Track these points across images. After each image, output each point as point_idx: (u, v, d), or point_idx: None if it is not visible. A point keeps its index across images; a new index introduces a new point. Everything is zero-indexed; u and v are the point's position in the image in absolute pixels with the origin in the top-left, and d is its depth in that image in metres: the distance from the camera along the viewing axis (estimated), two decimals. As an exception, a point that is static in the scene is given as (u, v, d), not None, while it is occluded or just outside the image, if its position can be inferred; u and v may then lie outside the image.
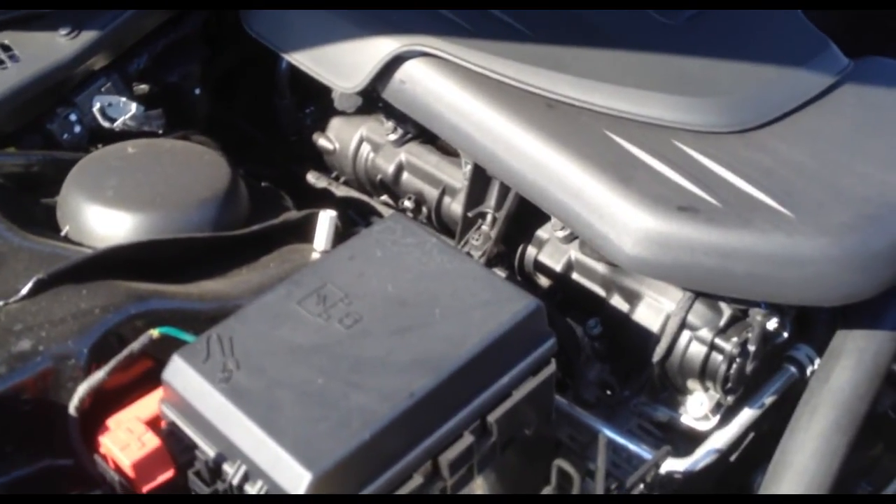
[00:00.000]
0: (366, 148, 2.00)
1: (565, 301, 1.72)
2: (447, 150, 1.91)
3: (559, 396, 1.54)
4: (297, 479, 1.13)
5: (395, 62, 1.73)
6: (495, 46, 1.71)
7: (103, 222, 1.54)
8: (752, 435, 1.59)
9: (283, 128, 2.10)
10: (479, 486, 1.40)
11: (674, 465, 1.51)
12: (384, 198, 2.01)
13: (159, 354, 1.31)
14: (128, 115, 1.82)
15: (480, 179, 1.78)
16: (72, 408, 1.30)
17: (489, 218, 1.78)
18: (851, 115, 1.67)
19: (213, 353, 1.25)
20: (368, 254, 1.38)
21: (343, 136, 2.03)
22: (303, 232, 1.60)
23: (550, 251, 1.73)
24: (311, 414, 1.18)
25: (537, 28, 1.77)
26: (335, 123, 2.05)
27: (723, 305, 1.55)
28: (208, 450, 1.22)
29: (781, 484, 1.44)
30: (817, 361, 1.59)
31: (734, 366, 1.52)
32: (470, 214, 1.79)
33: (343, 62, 1.79)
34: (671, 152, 1.57)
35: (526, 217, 1.73)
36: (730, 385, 1.54)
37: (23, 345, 1.32)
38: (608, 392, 1.66)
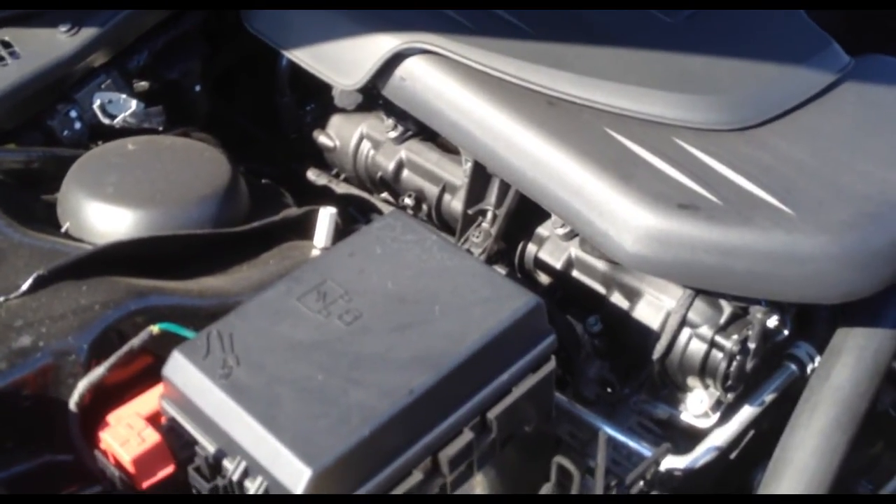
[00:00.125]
0: (366, 145, 2.00)
1: (565, 298, 1.72)
2: (447, 148, 1.91)
3: (559, 393, 1.54)
4: (296, 475, 1.13)
5: (396, 59, 1.73)
6: (496, 44, 1.71)
7: (103, 219, 1.55)
8: (752, 433, 1.59)
9: (284, 125, 2.10)
10: (478, 483, 1.40)
11: (674, 462, 1.51)
12: (384, 195, 2.01)
13: (159, 350, 1.31)
14: (128, 112, 1.82)
15: (481, 177, 1.78)
16: (72, 404, 1.30)
17: (489, 215, 1.78)
18: (852, 112, 1.67)
19: (213, 349, 1.25)
20: (368, 251, 1.38)
21: (343, 134, 2.03)
22: (303, 229, 1.61)
23: (551, 248, 1.73)
24: (310, 410, 1.18)
25: (538, 26, 1.77)
26: (335, 121, 2.05)
27: (723, 303, 1.55)
28: (208, 446, 1.22)
29: (781, 482, 1.44)
30: (817, 359, 1.59)
31: (734, 363, 1.52)
32: (470, 212, 1.79)
33: (343, 59, 1.79)
34: (672, 150, 1.57)
35: (526, 214, 1.73)
36: (730, 383, 1.54)
37: (23, 341, 1.32)
38: (608, 389, 1.66)
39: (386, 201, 1.98)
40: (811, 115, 1.66)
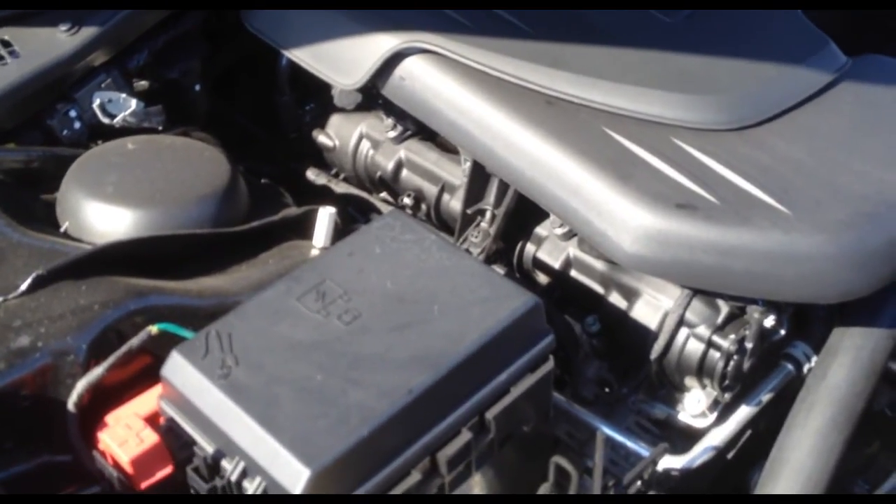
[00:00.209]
0: (365, 145, 2.00)
1: (564, 298, 1.72)
2: (447, 147, 1.91)
3: (557, 393, 1.54)
4: (295, 476, 1.13)
5: (395, 59, 1.73)
6: (495, 43, 1.71)
7: (103, 218, 1.55)
8: (749, 432, 1.59)
9: (283, 124, 2.10)
10: (476, 483, 1.40)
11: (671, 462, 1.51)
12: (383, 194, 2.01)
13: (158, 351, 1.31)
14: (128, 112, 1.82)
15: (479, 176, 1.78)
16: (70, 404, 1.31)
17: (488, 215, 1.78)
18: (849, 112, 1.67)
19: (212, 349, 1.25)
20: (367, 250, 1.38)
21: (343, 133, 2.03)
22: (302, 228, 1.61)
23: (549, 248, 1.73)
24: (309, 410, 1.18)
25: (537, 25, 1.77)
26: (335, 120, 2.05)
27: (720, 303, 1.55)
28: (207, 446, 1.22)
29: (778, 481, 1.45)
30: (814, 359, 1.59)
31: (731, 363, 1.52)
32: (469, 211, 1.79)
33: (343, 59, 1.80)
34: (670, 150, 1.57)
35: (525, 214, 1.73)
36: (727, 382, 1.54)
37: (22, 341, 1.32)
38: (606, 389, 1.66)
39: (385, 201, 1.98)
40: (809, 115, 1.66)
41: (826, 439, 1.45)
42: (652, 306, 1.60)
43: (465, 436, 1.24)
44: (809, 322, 1.64)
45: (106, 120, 1.81)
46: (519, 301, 1.31)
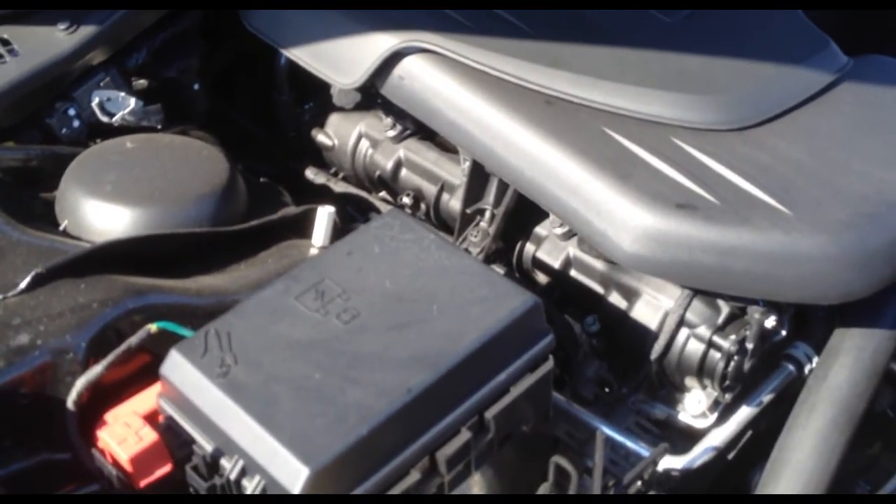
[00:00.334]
0: (364, 144, 2.00)
1: (563, 298, 1.72)
2: (446, 147, 1.91)
3: (557, 393, 1.54)
4: (294, 475, 1.13)
5: (394, 58, 1.73)
6: (494, 43, 1.71)
7: (102, 217, 1.55)
8: (749, 433, 1.59)
9: (282, 124, 2.09)
10: (476, 483, 1.40)
11: (671, 462, 1.51)
12: (383, 194, 2.01)
13: (157, 349, 1.31)
14: (126, 110, 1.82)
15: (479, 176, 1.78)
16: (70, 402, 1.30)
17: (487, 214, 1.78)
18: (850, 113, 1.67)
19: (211, 347, 1.25)
20: (366, 250, 1.38)
21: (342, 133, 2.03)
22: (301, 227, 1.60)
23: (549, 248, 1.73)
24: (308, 409, 1.18)
25: (536, 25, 1.77)
26: (334, 119, 2.05)
27: (721, 303, 1.55)
28: (206, 444, 1.21)
29: (779, 482, 1.44)
30: (815, 359, 1.59)
31: (732, 363, 1.52)
32: (468, 211, 1.79)
33: (342, 58, 1.79)
34: (670, 150, 1.57)
35: (524, 214, 1.73)
36: (727, 383, 1.54)
37: (21, 339, 1.32)
38: (606, 389, 1.65)
39: (384, 200, 1.98)
40: (809, 115, 1.66)
41: (827, 440, 1.45)
42: (652, 306, 1.60)
43: (465, 435, 1.24)
44: (810, 323, 1.63)
45: (105, 118, 1.81)
46: (518, 301, 1.30)
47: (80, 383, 1.30)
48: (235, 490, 1.19)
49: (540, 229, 1.74)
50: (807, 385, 1.53)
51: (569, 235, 1.70)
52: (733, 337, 1.52)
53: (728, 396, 1.56)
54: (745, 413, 1.57)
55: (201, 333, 1.27)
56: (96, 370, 1.31)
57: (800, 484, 1.42)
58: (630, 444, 1.53)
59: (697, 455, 1.52)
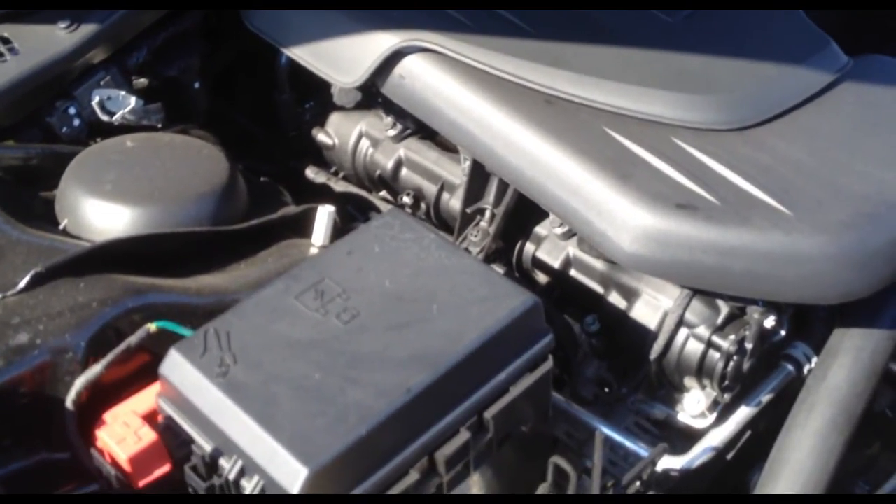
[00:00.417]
0: (365, 143, 2.00)
1: (563, 298, 1.72)
2: (446, 146, 1.91)
3: (556, 393, 1.54)
4: (293, 475, 1.13)
5: (395, 57, 1.73)
6: (495, 42, 1.71)
7: (102, 216, 1.54)
8: (748, 433, 1.59)
9: (283, 123, 2.09)
10: (475, 483, 1.40)
11: (670, 462, 1.51)
12: (383, 193, 2.01)
13: (156, 348, 1.31)
14: (127, 109, 1.82)
15: (479, 175, 1.78)
16: (69, 401, 1.30)
17: (488, 214, 1.78)
18: (851, 113, 1.67)
19: (211, 347, 1.25)
20: (366, 249, 1.38)
21: (342, 132, 2.03)
22: (301, 227, 1.60)
23: (549, 248, 1.73)
24: (307, 409, 1.18)
25: (537, 25, 1.77)
26: (334, 119, 2.05)
27: (720, 303, 1.55)
28: (205, 444, 1.21)
29: (778, 482, 1.44)
30: (815, 360, 1.59)
31: (731, 363, 1.52)
32: (468, 210, 1.79)
33: (342, 57, 1.79)
34: (670, 149, 1.57)
35: (524, 213, 1.73)
36: (727, 383, 1.54)
37: (20, 338, 1.32)
38: (605, 389, 1.65)
39: (384, 199, 1.98)
40: (810, 115, 1.66)
41: (826, 440, 1.45)
42: (651, 306, 1.60)
43: (464, 435, 1.24)
44: (810, 323, 1.63)
45: (105, 117, 1.81)
46: (518, 300, 1.30)
47: (80, 383, 1.30)
48: (234, 490, 1.19)
49: (540, 229, 1.74)
50: (806, 385, 1.53)
51: (569, 235, 1.70)
52: (732, 337, 1.52)
53: (727, 396, 1.56)
54: (744, 413, 1.57)
55: (201, 333, 1.27)
56: (95, 369, 1.31)
57: (798, 484, 1.42)
58: (629, 444, 1.53)
59: (696, 455, 1.52)
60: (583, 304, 1.68)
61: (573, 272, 1.70)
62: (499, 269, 1.72)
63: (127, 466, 1.23)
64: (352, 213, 1.94)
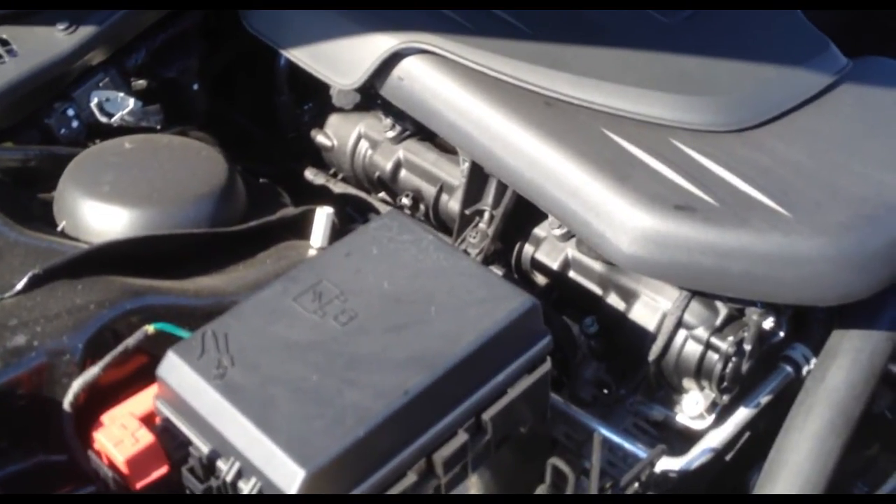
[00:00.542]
0: (364, 145, 2.00)
1: (562, 299, 1.72)
2: (445, 148, 1.90)
3: (555, 394, 1.54)
4: (290, 477, 1.13)
5: (393, 59, 1.72)
6: (494, 44, 1.71)
7: (100, 218, 1.54)
8: (747, 434, 1.59)
9: (282, 124, 2.09)
10: (473, 485, 1.40)
11: (669, 464, 1.51)
12: (382, 195, 2.01)
13: (154, 350, 1.31)
14: (125, 111, 1.81)
15: (478, 177, 1.77)
16: (66, 403, 1.30)
17: (486, 215, 1.77)
18: (850, 114, 1.67)
19: (208, 349, 1.24)
20: (365, 251, 1.37)
21: (341, 133, 2.03)
22: (300, 228, 1.60)
23: (547, 249, 1.73)
24: (305, 411, 1.18)
25: (536, 26, 1.77)
26: (333, 120, 2.05)
27: (719, 304, 1.55)
28: (202, 446, 1.21)
29: (776, 484, 1.44)
30: (813, 361, 1.59)
31: (730, 365, 1.52)
32: (467, 212, 1.79)
33: (341, 59, 1.79)
34: (669, 151, 1.57)
35: (523, 215, 1.73)
36: (725, 384, 1.53)
37: (17, 340, 1.32)
38: (604, 390, 1.65)
39: (383, 201, 1.98)
40: (808, 116, 1.66)
41: (824, 442, 1.45)
42: (650, 308, 1.60)
43: (462, 437, 1.24)
44: (808, 324, 1.63)
45: (104, 119, 1.81)
46: (516, 302, 1.30)
47: (77, 385, 1.30)
48: (232, 492, 1.19)
49: (539, 230, 1.74)
50: (804, 386, 1.53)
51: (567, 237, 1.70)
52: (731, 338, 1.52)
53: (726, 398, 1.56)
54: (742, 414, 1.57)
55: (198, 335, 1.27)
56: (93, 371, 1.31)
57: (797, 485, 1.42)
58: (628, 445, 1.53)
59: (695, 456, 1.52)
60: (581, 306, 1.68)
61: (572, 274, 1.70)
62: (497, 270, 1.72)
63: (124, 468, 1.23)
64: (351, 215, 1.94)
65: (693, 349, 1.55)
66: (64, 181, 1.60)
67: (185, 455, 1.23)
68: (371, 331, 1.26)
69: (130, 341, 1.33)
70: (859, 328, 1.54)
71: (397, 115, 1.90)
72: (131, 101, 1.82)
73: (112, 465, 1.25)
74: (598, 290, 1.67)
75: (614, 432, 1.54)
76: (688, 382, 1.57)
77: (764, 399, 1.58)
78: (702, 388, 1.57)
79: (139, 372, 1.34)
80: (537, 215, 1.72)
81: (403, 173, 1.94)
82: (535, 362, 1.32)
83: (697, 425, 1.58)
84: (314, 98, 2.05)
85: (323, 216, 1.55)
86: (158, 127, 1.84)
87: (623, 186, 1.51)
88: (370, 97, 1.92)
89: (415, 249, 1.37)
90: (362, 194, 1.99)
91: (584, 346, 1.66)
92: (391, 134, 1.95)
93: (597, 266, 1.66)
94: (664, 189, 1.51)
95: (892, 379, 1.63)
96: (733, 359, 1.52)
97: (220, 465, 1.20)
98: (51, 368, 1.31)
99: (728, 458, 1.58)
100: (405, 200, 1.91)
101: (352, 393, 1.19)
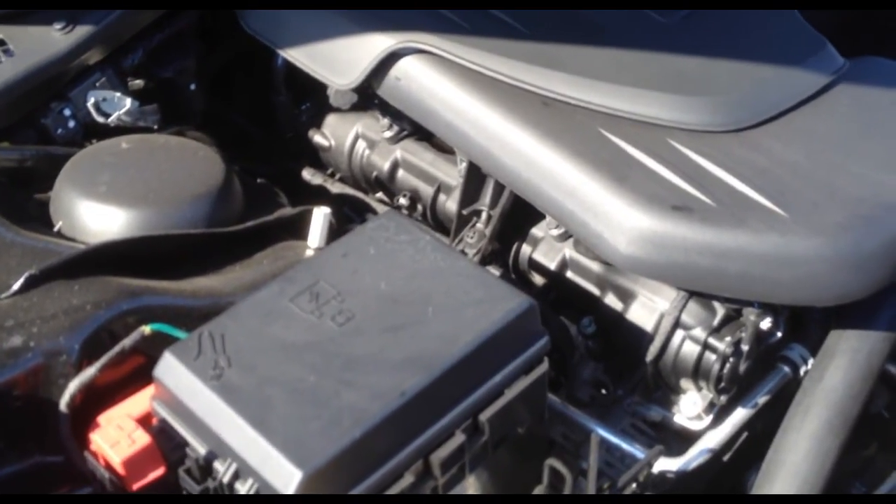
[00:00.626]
0: (361, 145, 2.00)
1: (559, 299, 1.72)
2: (442, 148, 1.90)
3: (552, 395, 1.54)
4: (287, 478, 1.13)
5: (391, 59, 1.72)
6: (491, 44, 1.71)
7: (96, 218, 1.54)
8: (745, 435, 1.59)
9: (279, 124, 2.09)
10: (470, 486, 1.39)
11: (666, 464, 1.51)
12: (379, 195, 2.00)
13: (151, 351, 1.31)
14: (122, 111, 1.81)
15: (475, 177, 1.77)
16: (63, 404, 1.30)
17: (484, 216, 1.77)
18: (847, 114, 1.67)
19: (205, 350, 1.24)
20: (362, 251, 1.37)
21: (339, 133, 2.03)
22: (297, 229, 1.60)
23: (545, 249, 1.73)
24: (302, 412, 1.17)
25: (533, 26, 1.76)
26: (331, 120, 2.04)
27: (716, 305, 1.55)
28: (199, 447, 1.21)
29: (774, 484, 1.44)
30: (811, 361, 1.59)
31: (727, 365, 1.52)
32: (465, 212, 1.79)
33: (339, 59, 1.79)
34: (666, 151, 1.57)
35: (521, 215, 1.73)
36: (723, 384, 1.53)
37: (14, 341, 1.32)
38: (602, 391, 1.65)
39: (381, 201, 1.98)
40: (806, 117, 1.66)
41: (822, 442, 1.44)
42: (648, 308, 1.59)
43: (459, 438, 1.24)
44: (806, 324, 1.63)
45: (100, 119, 1.80)
46: (514, 303, 1.30)
47: (73, 385, 1.30)
48: (228, 493, 1.18)
49: (536, 231, 1.74)
50: (802, 387, 1.53)
51: (565, 237, 1.70)
52: (729, 339, 1.52)
53: (723, 398, 1.55)
54: (740, 415, 1.57)
55: (195, 335, 1.26)
56: (89, 372, 1.30)
57: (794, 486, 1.42)
58: (625, 445, 1.53)
59: (693, 457, 1.52)
60: (579, 306, 1.68)
61: (569, 274, 1.70)
62: (495, 270, 1.72)
63: (121, 469, 1.23)
64: (348, 215, 1.94)
65: (690, 349, 1.55)
66: (60, 181, 1.60)
67: (181, 456, 1.23)
68: (368, 331, 1.26)
69: (127, 342, 1.33)
70: (857, 328, 1.54)
71: (395, 115, 1.90)
72: (128, 101, 1.82)
73: (108, 467, 1.25)
74: (595, 291, 1.67)
75: (612, 433, 1.54)
76: (685, 383, 1.57)
77: (761, 399, 1.58)
78: (699, 389, 1.57)
79: (136, 373, 1.33)
80: (535, 215, 1.72)
81: (401, 173, 1.94)
82: (533, 363, 1.32)
83: (695, 426, 1.58)
84: (312, 98, 2.05)
85: (320, 216, 1.55)
86: (155, 127, 1.84)
87: (620, 187, 1.51)
88: (367, 97, 1.92)
89: (412, 250, 1.37)
90: (360, 194, 1.99)
91: (581, 347, 1.66)
92: (388, 134, 1.95)
93: (594, 266, 1.66)
94: (661, 189, 1.51)
95: (890, 379, 1.63)
96: (731, 359, 1.52)
97: (217, 466, 1.19)
98: (47, 369, 1.31)
99: (726, 458, 1.58)
100: (402, 200, 1.91)
101: (349, 394, 1.19)
